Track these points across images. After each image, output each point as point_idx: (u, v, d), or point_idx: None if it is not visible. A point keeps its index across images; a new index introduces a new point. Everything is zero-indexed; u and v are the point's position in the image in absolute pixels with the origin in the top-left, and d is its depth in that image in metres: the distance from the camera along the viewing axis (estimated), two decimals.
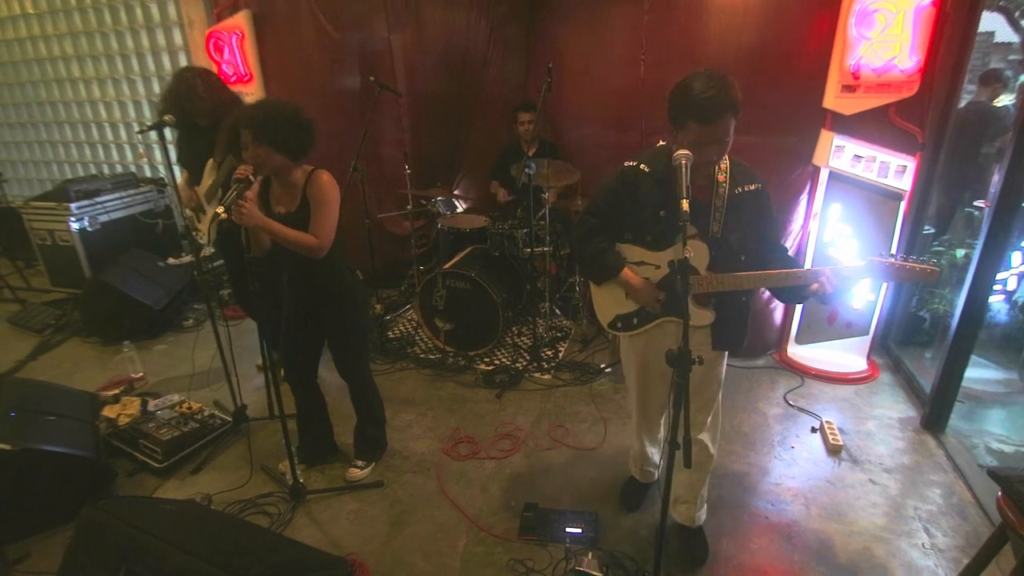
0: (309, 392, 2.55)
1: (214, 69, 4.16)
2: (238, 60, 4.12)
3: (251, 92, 4.17)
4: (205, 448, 2.75)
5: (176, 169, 3.06)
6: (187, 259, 4.31)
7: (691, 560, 2.11)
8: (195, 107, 2.77)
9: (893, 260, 1.64)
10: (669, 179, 1.68)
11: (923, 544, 2.18)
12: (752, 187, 1.75)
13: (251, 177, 1.97)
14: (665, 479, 1.57)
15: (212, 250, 2.96)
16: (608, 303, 2.01)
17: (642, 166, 1.78)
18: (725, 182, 1.73)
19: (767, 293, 3.39)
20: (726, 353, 1.98)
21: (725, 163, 1.73)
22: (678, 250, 1.69)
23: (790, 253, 1.86)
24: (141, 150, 5.51)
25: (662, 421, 2.23)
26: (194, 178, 2.98)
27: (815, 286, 1.67)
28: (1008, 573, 1.60)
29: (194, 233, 3.05)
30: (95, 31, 5.15)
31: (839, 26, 2.82)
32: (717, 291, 1.77)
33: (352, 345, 2.43)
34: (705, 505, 2.17)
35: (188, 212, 3.06)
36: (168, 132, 2.57)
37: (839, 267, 1.68)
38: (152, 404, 2.93)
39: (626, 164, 1.82)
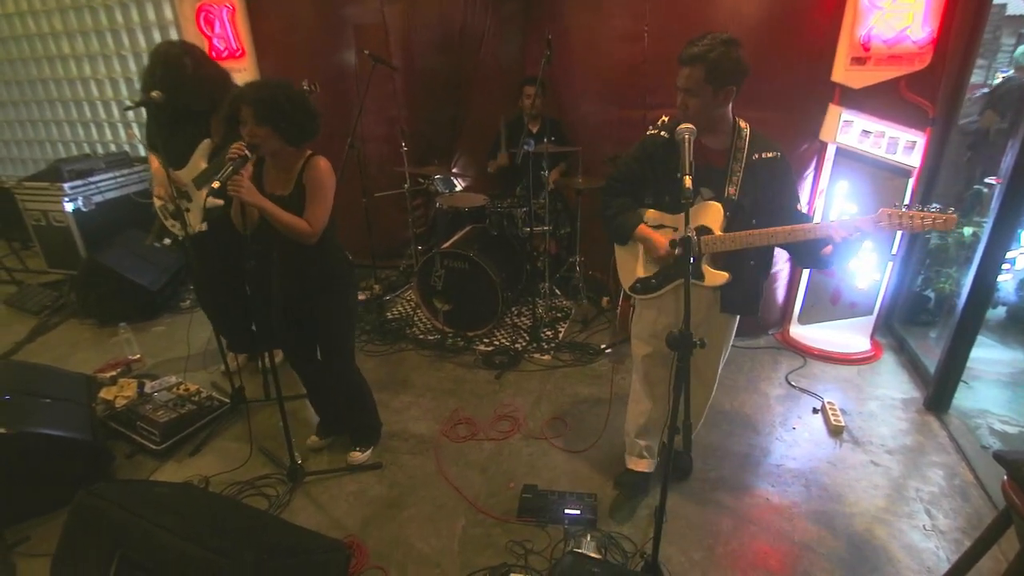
0: (313, 371, 2.52)
1: (204, 44, 4.05)
2: (229, 34, 4.01)
3: (244, 67, 4.07)
4: (203, 430, 2.73)
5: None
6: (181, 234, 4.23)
7: (677, 474, 2.38)
8: (186, 92, 2.53)
9: (906, 209, 1.65)
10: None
11: (924, 526, 2.17)
12: (769, 155, 1.84)
13: (247, 154, 1.93)
14: (664, 464, 1.55)
15: (168, 241, 2.72)
16: (629, 267, 2.10)
17: (662, 133, 1.90)
18: (744, 148, 1.84)
19: (775, 269, 3.35)
20: (735, 322, 2.10)
21: (747, 131, 1.85)
22: (696, 210, 1.86)
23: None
24: (134, 129, 5.42)
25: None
26: (176, 163, 2.64)
27: (828, 248, 1.75)
28: (1010, 557, 1.57)
29: (167, 223, 2.83)
30: (84, 6, 5.02)
31: None
32: (728, 250, 1.86)
33: (336, 332, 2.37)
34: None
35: (159, 200, 2.79)
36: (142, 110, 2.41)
37: (847, 219, 1.75)
38: (149, 386, 2.92)
39: (648, 132, 1.95)
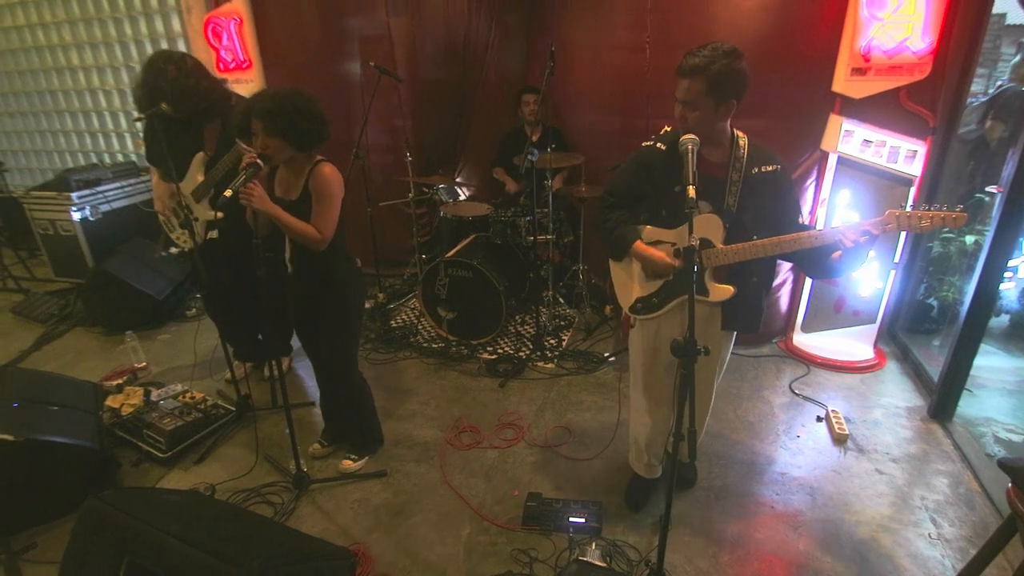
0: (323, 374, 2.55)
1: (212, 56, 4.11)
2: (237, 46, 4.07)
3: (251, 79, 4.13)
4: (209, 438, 2.74)
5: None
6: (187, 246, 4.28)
7: (682, 484, 2.39)
8: (166, 97, 2.51)
9: (914, 210, 1.62)
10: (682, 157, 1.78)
11: (930, 534, 2.16)
12: (769, 168, 1.78)
13: (260, 164, 1.96)
14: (669, 472, 1.55)
15: (175, 250, 2.78)
16: (628, 286, 2.05)
17: (659, 145, 1.86)
18: (742, 159, 1.78)
19: (780, 279, 3.36)
20: (732, 337, 2.06)
21: (744, 142, 1.79)
22: (695, 223, 1.81)
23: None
24: (140, 138, 5.47)
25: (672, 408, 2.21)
26: (175, 175, 2.63)
27: (837, 254, 1.72)
28: (1016, 564, 1.57)
29: (173, 235, 2.88)
30: (93, 18, 5.09)
31: (850, 7, 2.75)
32: (733, 262, 1.81)
33: (336, 335, 2.39)
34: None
35: (162, 215, 2.85)
36: (139, 124, 2.43)
37: (856, 222, 1.69)
38: (155, 394, 2.93)
39: (644, 144, 1.91)
